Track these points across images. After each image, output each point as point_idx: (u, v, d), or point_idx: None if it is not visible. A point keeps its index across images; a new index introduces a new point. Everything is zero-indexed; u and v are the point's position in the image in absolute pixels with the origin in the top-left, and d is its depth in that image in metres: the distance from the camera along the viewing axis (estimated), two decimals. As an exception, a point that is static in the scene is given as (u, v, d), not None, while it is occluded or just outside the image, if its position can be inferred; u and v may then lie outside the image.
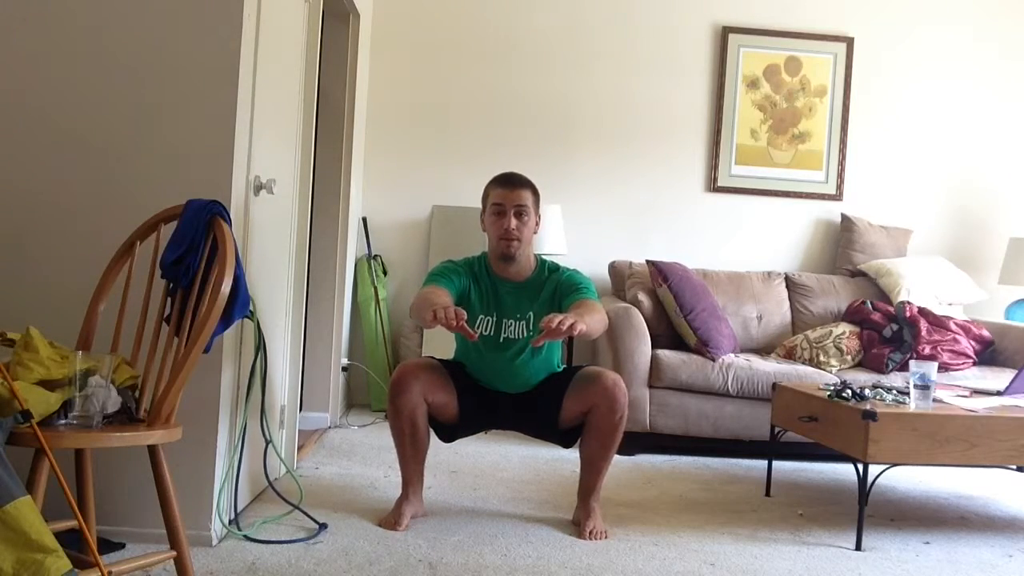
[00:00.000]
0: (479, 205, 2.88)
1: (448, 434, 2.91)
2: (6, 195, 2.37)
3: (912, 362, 2.92)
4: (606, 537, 2.68)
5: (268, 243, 2.83)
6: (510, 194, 2.76)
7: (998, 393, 3.23)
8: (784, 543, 2.74)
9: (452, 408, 2.79)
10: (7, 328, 2.02)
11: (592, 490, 2.79)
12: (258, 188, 2.61)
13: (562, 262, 2.98)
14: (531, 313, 2.78)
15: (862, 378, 3.82)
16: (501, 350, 2.79)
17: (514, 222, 2.72)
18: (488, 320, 2.78)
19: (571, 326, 2.38)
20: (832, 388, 3.02)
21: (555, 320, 2.38)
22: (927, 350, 4.00)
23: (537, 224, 2.81)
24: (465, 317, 2.41)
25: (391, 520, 2.69)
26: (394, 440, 2.78)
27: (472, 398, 2.81)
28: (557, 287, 2.79)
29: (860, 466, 2.75)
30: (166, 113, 2.38)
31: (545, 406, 2.79)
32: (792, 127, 4.98)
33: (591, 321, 2.53)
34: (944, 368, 3.92)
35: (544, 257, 2.91)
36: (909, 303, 4.24)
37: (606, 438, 2.72)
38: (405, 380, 2.69)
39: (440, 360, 2.86)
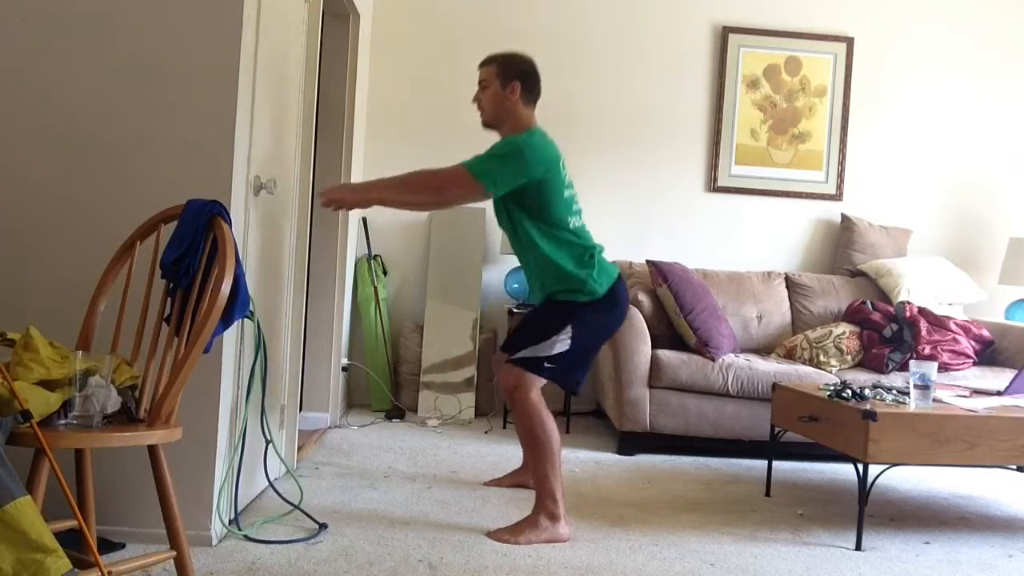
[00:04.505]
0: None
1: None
2: (6, 195, 2.37)
3: (912, 362, 2.92)
4: (514, 544, 2.59)
5: (268, 243, 2.83)
6: (479, 72, 2.91)
7: (998, 393, 3.23)
8: (784, 543, 2.74)
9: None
10: (7, 328, 2.02)
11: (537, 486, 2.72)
12: (258, 188, 2.61)
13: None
14: None
15: (862, 378, 3.82)
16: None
17: (476, 93, 2.91)
18: None
19: (328, 202, 2.64)
20: (832, 388, 3.02)
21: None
22: (927, 350, 4.00)
23: (509, 91, 2.82)
24: None
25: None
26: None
27: None
28: None
29: (860, 466, 2.75)
30: (166, 113, 2.38)
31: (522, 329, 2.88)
32: (792, 127, 4.98)
33: (383, 191, 2.70)
34: (944, 368, 3.92)
35: (536, 130, 2.81)
36: (909, 303, 4.24)
37: (513, 415, 2.79)
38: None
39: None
